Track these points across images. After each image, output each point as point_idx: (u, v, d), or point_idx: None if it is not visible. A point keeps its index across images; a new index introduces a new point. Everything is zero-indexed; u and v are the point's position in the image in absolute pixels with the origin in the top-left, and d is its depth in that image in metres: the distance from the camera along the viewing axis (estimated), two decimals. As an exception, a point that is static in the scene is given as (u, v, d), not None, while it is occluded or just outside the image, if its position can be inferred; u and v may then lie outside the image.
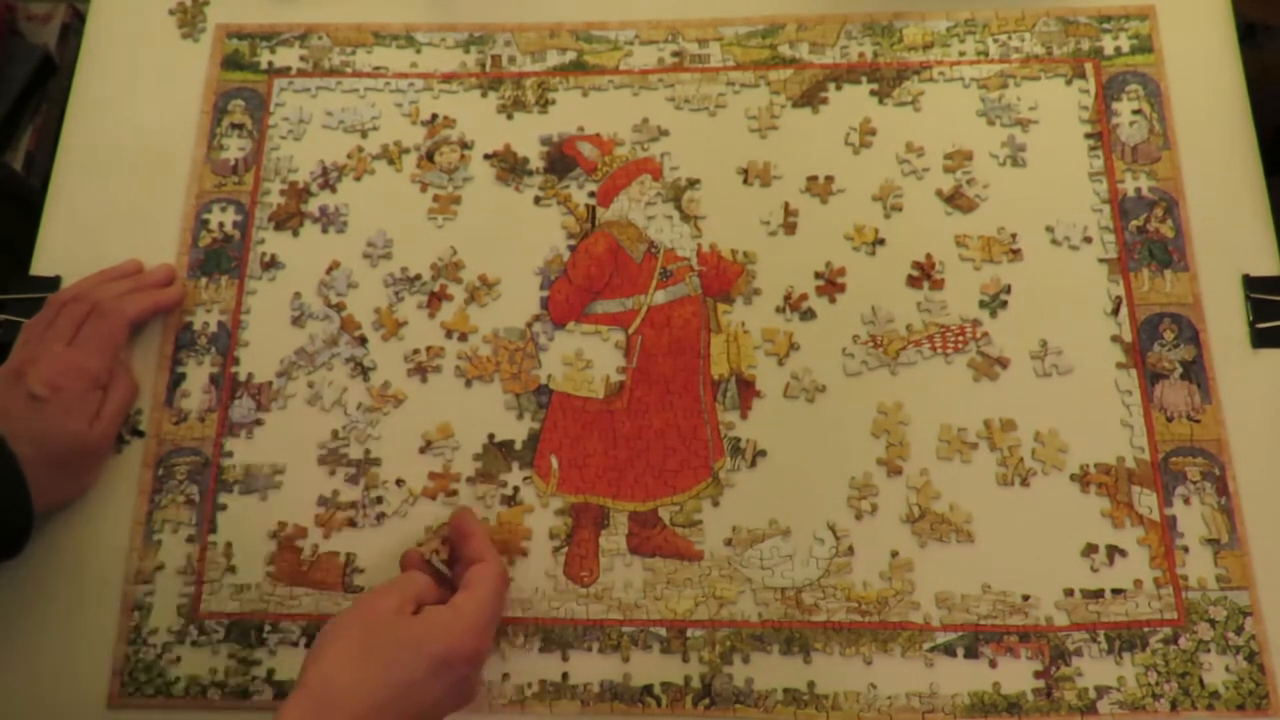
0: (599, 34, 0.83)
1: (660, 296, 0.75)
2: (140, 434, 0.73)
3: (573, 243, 0.77)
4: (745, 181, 0.78)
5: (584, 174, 0.79)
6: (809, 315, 0.74)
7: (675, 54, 0.81)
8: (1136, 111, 0.77)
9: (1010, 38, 0.80)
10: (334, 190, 0.80)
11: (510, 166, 0.79)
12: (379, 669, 0.57)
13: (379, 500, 0.71)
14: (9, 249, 0.83)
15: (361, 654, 0.57)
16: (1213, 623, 0.66)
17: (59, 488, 0.69)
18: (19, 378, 0.68)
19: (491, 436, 0.73)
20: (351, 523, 0.71)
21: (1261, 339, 0.72)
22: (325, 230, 0.78)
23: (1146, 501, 0.69)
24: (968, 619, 0.67)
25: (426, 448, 0.72)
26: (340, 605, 0.69)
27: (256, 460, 0.73)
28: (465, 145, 0.80)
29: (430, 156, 0.80)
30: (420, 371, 0.74)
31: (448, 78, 0.82)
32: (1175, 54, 0.79)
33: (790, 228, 0.77)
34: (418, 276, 0.77)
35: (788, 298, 0.75)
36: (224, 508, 0.72)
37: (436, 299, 0.76)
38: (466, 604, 0.61)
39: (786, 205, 0.77)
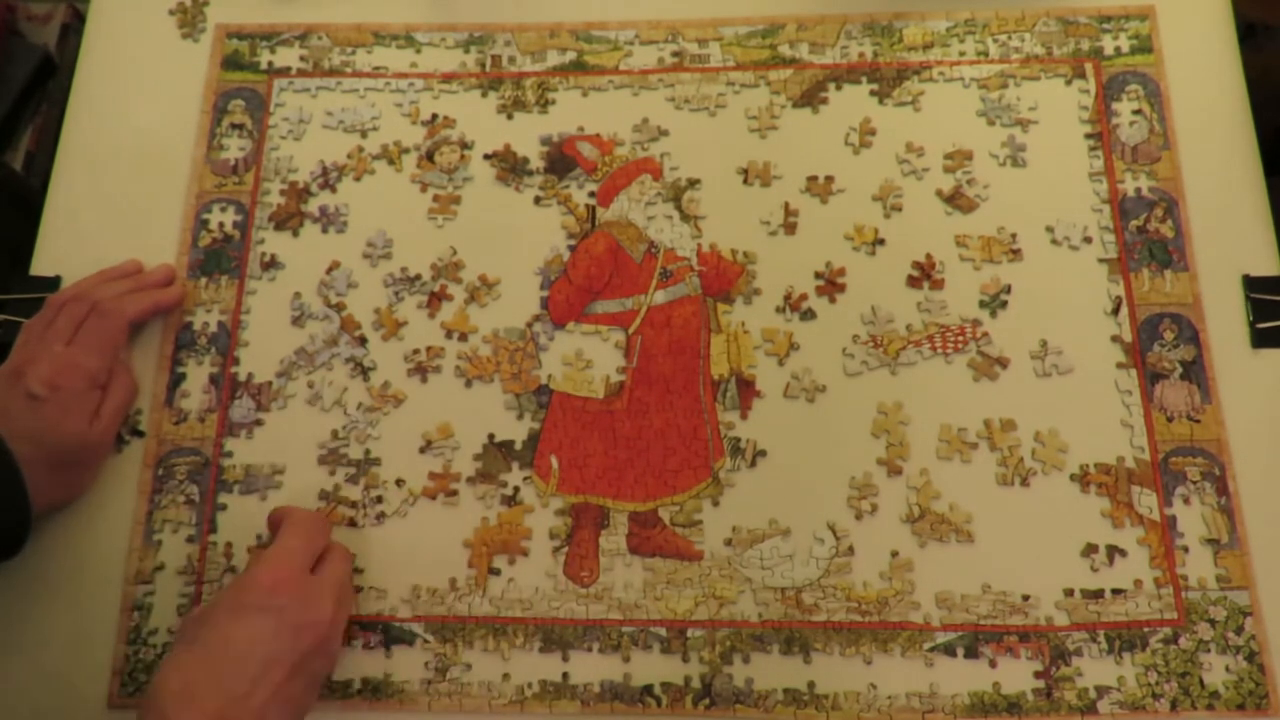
0: (599, 34, 0.83)
1: (660, 296, 0.75)
2: (140, 434, 0.73)
3: (573, 243, 0.77)
4: (745, 181, 0.78)
5: (584, 174, 0.79)
6: (809, 315, 0.74)
7: (675, 54, 0.81)
8: (1136, 111, 0.77)
9: (1010, 38, 0.80)
10: (334, 190, 0.80)
11: (510, 166, 0.79)
12: (206, 663, 0.58)
13: (379, 500, 0.71)
14: (9, 249, 0.83)
15: (187, 664, 0.58)
16: (1213, 623, 0.66)
17: (58, 487, 0.69)
18: (18, 377, 0.68)
19: (491, 436, 0.73)
20: (352, 522, 0.71)
21: (1261, 339, 0.72)
22: (325, 230, 0.78)
23: (1146, 501, 0.69)
24: (968, 619, 0.67)
25: (426, 448, 0.72)
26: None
27: (256, 460, 0.73)
28: (465, 145, 0.80)
29: (430, 156, 0.80)
30: (420, 371, 0.74)
31: (448, 78, 0.82)
32: (1175, 54, 0.79)
33: (790, 228, 0.77)
34: (418, 276, 0.77)
35: (788, 298, 0.75)
36: (224, 508, 0.72)
37: (436, 299, 0.76)
38: (256, 560, 0.63)
39: (786, 205, 0.77)
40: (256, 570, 0.61)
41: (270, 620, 0.59)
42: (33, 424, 0.66)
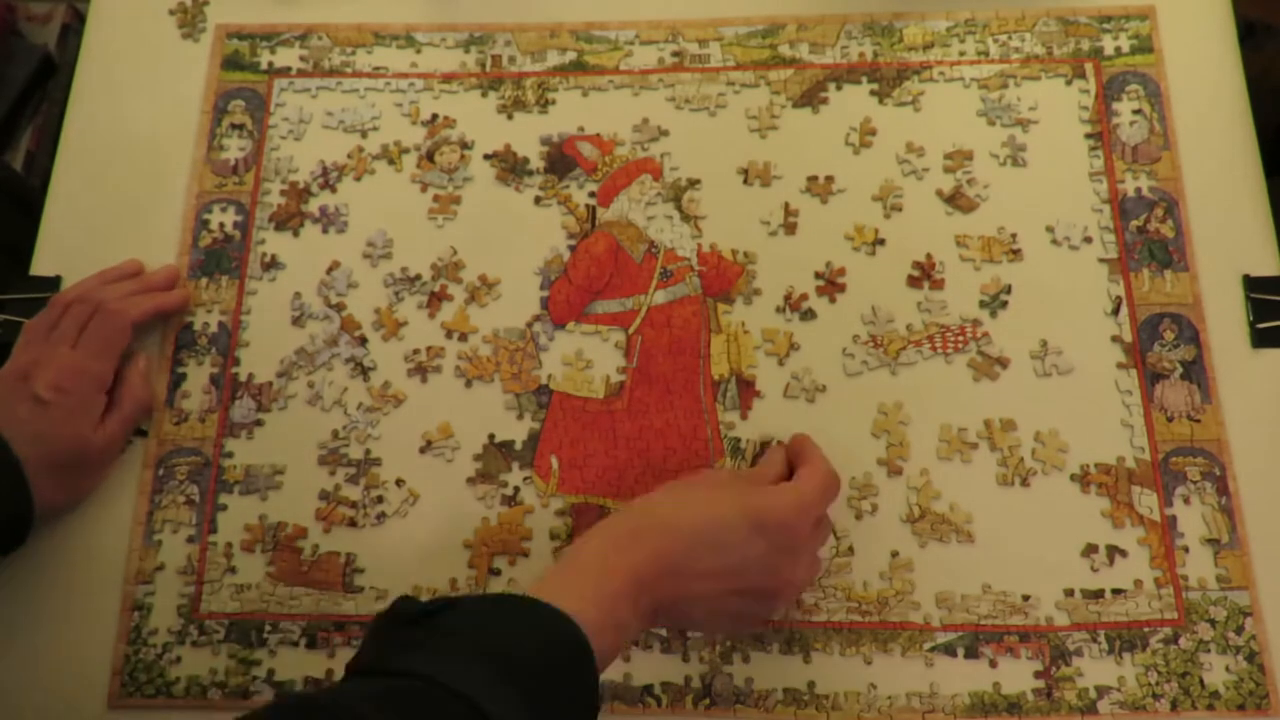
0: (599, 34, 0.82)
1: (660, 296, 0.75)
2: (143, 433, 0.73)
3: (573, 243, 0.77)
4: (745, 181, 0.78)
5: (584, 174, 0.79)
6: (809, 315, 0.74)
7: (675, 54, 0.81)
8: (1137, 111, 0.77)
9: (1010, 38, 0.80)
10: (334, 190, 0.80)
11: (510, 166, 0.79)
12: (701, 507, 0.59)
13: (379, 500, 0.71)
14: (9, 249, 0.83)
15: (684, 489, 0.62)
16: (1213, 623, 0.66)
17: (60, 491, 0.69)
18: (24, 380, 0.68)
19: (492, 436, 0.73)
20: (352, 523, 0.71)
21: (1261, 339, 0.72)
22: (325, 230, 0.78)
23: (1147, 501, 0.69)
24: (968, 619, 0.67)
25: (427, 448, 0.72)
26: (340, 605, 0.69)
27: (257, 460, 0.73)
28: (465, 145, 0.80)
29: (430, 156, 0.80)
30: (420, 371, 0.74)
31: (448, 78, 0.82)
32: (1175, 54, 0.79)
33: (790, 228, 0.77)
34: (418, 276, 0.77)
35: (788, 298, 0.75)
36: (224, 508, 0.72)
37: (436, 299, 0.76)
38: (794, 486, 0.62)
39: (787, 205, 0.77)
40: (780, 505, 0.60)
41: (763, 549, 0.59)
42: (38, 427, 0.66)
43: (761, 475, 0.65)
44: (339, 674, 0.67)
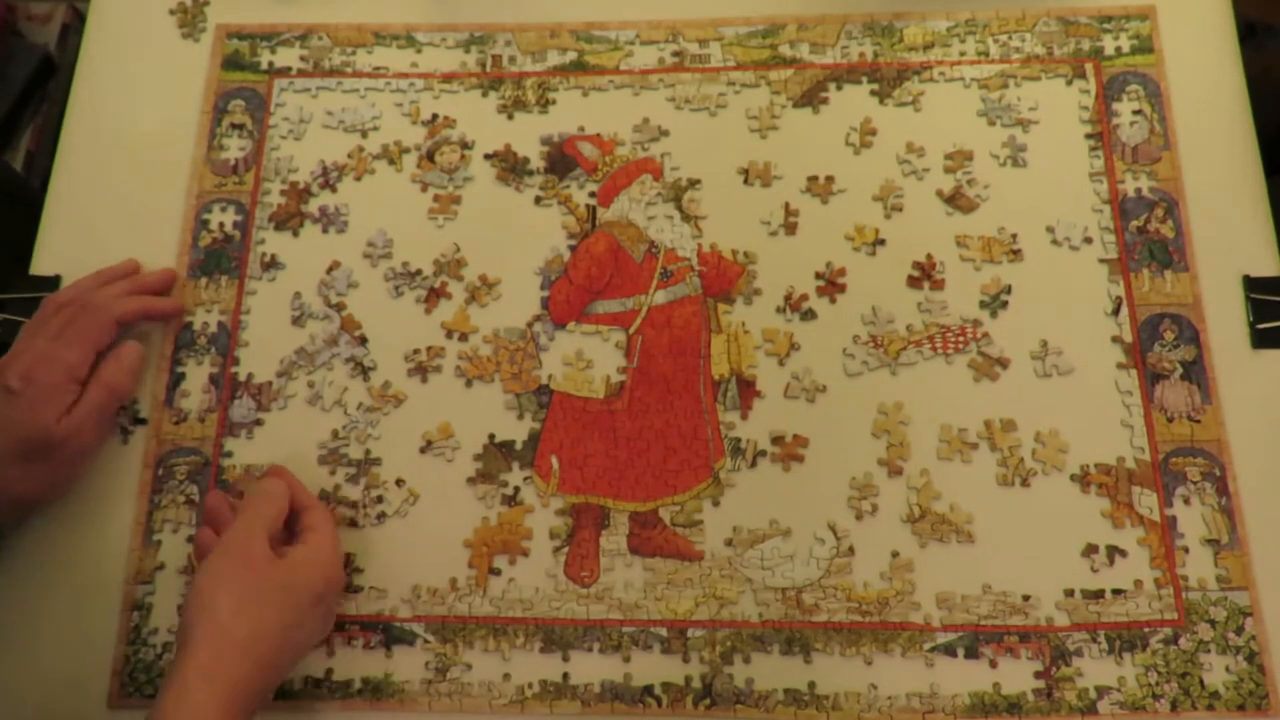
0: (599, 34, 0.82)
1: (661, 296, 0.75)
2: (143, 421, 0.73)
3: (573, 243, 0.77)
4: (746, 182, 0.78)
5: (584, 174, 0.79)
6: (809, 315, 0.74)
7: (675, 54, 0.81)
8: (1137, 112, 0.77)
9: (1011, 38, 0.80)
10: (334, 190, 0.79)
11: (511, 166, 0.79)
12: (271, 614, 0.60)
13: (379, 500, 0.71)
14: (9, 249, 0.83)
15: (254, 601, 0.60)
16: (1213, 623, 0.66)
17: (29, 481, 0.68)
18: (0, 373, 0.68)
19: (492, 437, 0.73)
20: (352, 523, 0.71)
21: (1261, 339, 0.72)
22: (325, 230, 0.78)
23: (1147, 502, 0.69)
24: (968, 619, 0.67)
25: (427, 448, 0.72)
26: (340, 605, 0.69)
27: (257, 460, 0.73)
28: (466, 145, 0.80)
29: (431, 156, 0.80)
30: (420, 371, 0.74)
31: (448, 78, 0.82)
32: (1175, 54, 0.79)
33: (791, 228, 0.77)
34: (418, 272, 0.77)
35: (788, 298, 0.75)
36: (224, 508, 0.72)
37: (435, 295, 0.76)
38: (323, 541, 0.65)
39: (787, 205, 0.77)
40: (331, 563, 0.64)
41: (326, 615, 0.65)
42: (4, 415, 0.66)
43: (273, 521, 0.65)
44: (338, 674, 0.67)
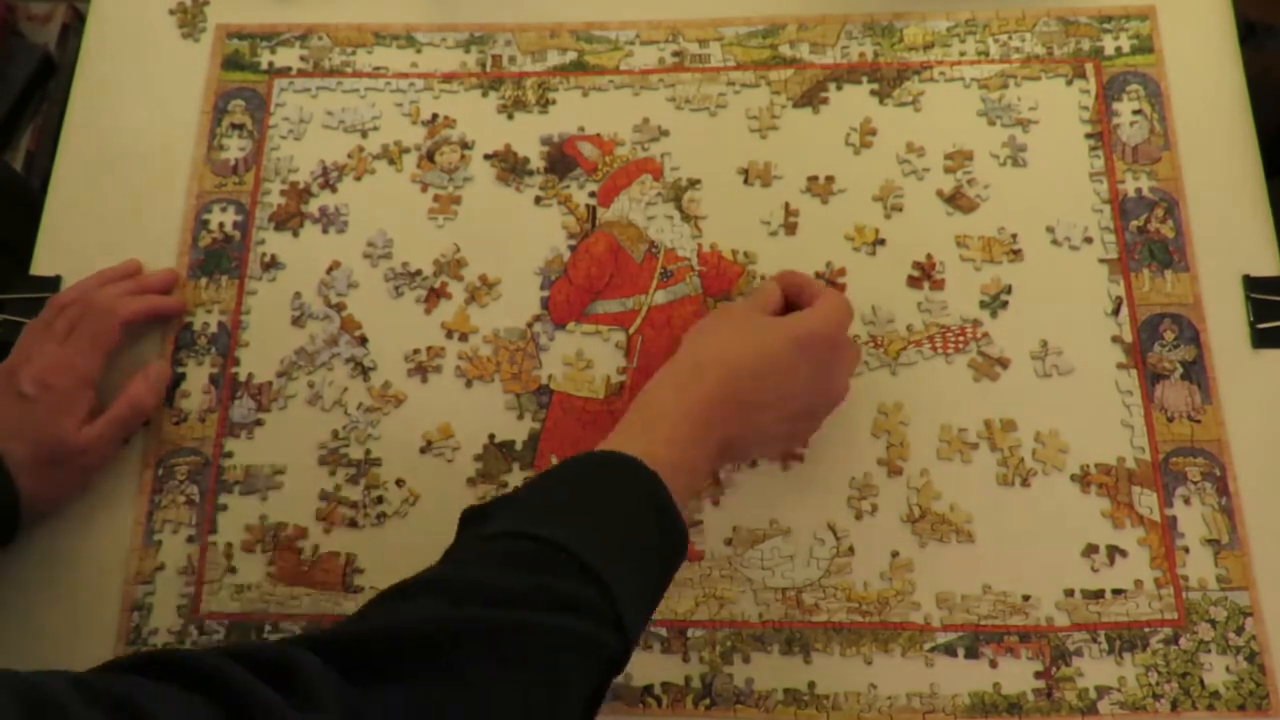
0: (599, 34, 0.82)
1: (661, 297, 0.75)
2: (144, 422, 0.73)
3: (573, 243, 0.77)
4: (746, 182, 0.78)
5: (584, 174, 0.79)
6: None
7: (676, 54, 0.81)
8: (1137, 112, 0.77)
9: (1011, 38, 0.80)
10: (334, 190, 0.79)
11: (510, 166, 0.79)
12: (749, 340, 0.62)
13: (380, 500, 0.71)
14: (9, 249, 0.83)
15: (730, 331, 0.64)
16: (1213, 623, 0.66)
17: (46, 487, 0.68)
18: (10, 376, 0.68)
19: (492, 437, 0.72)
20: (352, 523, 0.71)
21: (1262, 339, 0.72)
22: (325, 230, 0.78)
23: (1147, 502, 0.68)
24: (968, 619, 0.67)
25: (427, 448, 0.72)
26: (341, 605, 0.69)
27: (257, 460, 0.73)
28: (465, 145, 0.80)
29: (431, 156, 0.80)
30: (420, 371, 0.74)
31: (448, 78, 0.82)
32: (1176, 54, 0.79)
33: (791, 228, 0.77)
34: (418, 272, 0.77)
35: (788, 298, 0.75)
36: (224, 508, 0.72)
37: (435, 295, 0.76)
38: (819, 306, 0.65)
39: (787, 205, 0.77)
40: (815, 324, 0.64)
41: (810, 369, 0.63)
42: (21, 422, 0.66)
43: (767, 304, 0.67)
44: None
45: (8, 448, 0.65)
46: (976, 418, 0.71)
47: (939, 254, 0.75)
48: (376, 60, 0.83)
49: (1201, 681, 0.65)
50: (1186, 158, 0.76)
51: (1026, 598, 0.67)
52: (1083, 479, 0.69)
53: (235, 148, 0.81)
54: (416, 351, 0.75)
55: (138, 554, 0.70)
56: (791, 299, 0.68)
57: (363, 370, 0.75)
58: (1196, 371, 0.71)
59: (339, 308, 0.76)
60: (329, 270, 0.77)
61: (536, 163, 0.79)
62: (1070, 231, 0.75)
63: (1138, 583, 0.67)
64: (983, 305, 0.74)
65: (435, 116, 0.81)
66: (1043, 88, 0.79)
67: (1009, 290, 0.74)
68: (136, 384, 0.72)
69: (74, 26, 1.12)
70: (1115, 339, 0.72)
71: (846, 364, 0.66)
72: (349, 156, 0.80)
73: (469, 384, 0.74)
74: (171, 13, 0.86)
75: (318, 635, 0.47)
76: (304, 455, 0.72)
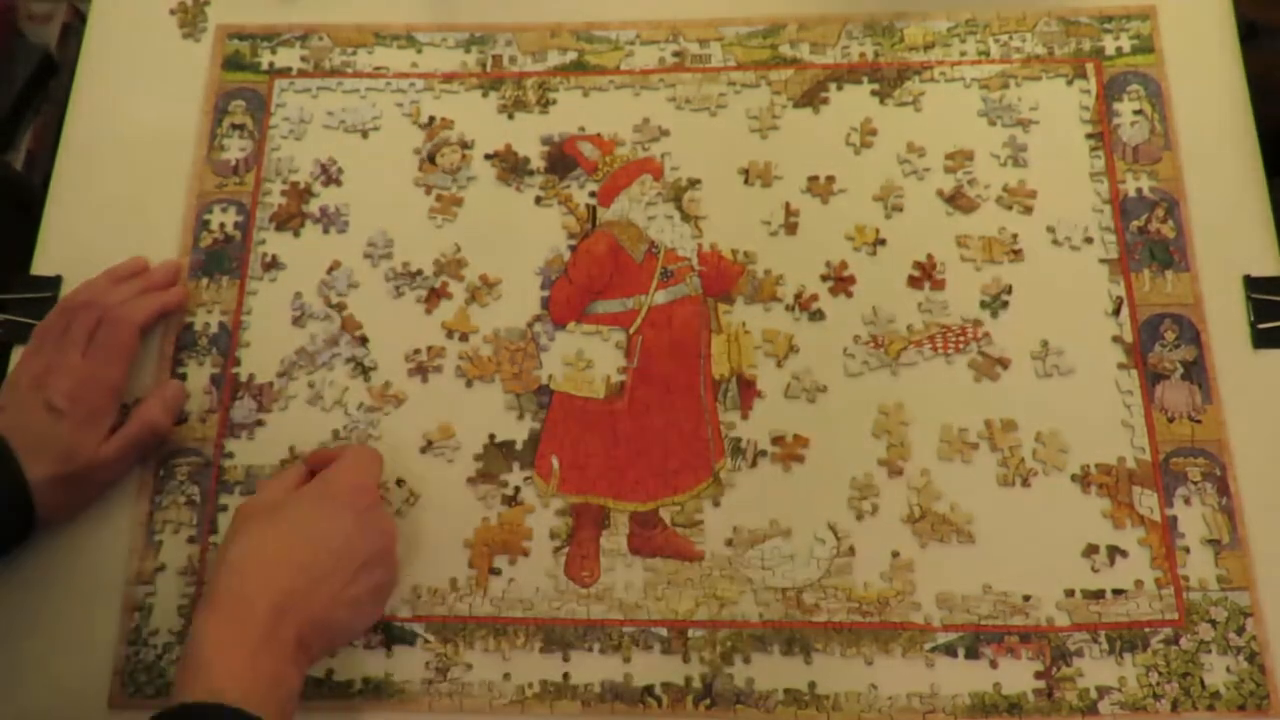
0: (600, 34, 0.82)
1: (661, 296, 0.75)
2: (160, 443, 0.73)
3: (573, 243, 0.77)
4: (746, 181, 0.78)
5: (585, 174, 0.79)
6: (818, 316, 0.74)
7: (676, 54, 0.81)
8: (1137, 112, 0.77)
9: (1011, 38, 0.80)
10: (339, 184, 0.79)
11: (511, 167, 0.79)
12: (281, 529, 0.61)
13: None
14: (9, 249, 0.83)
15: (261, 539, 0.61)
16: (1213, 623, 0.66)
17: (64, 500, 0.68)
18: (38, 387, 0.67)
19: (492, 437, 0.73)
20: (352, 523, 0.71)
21: (1262, 339, 0.72)
22: (326, 231, 0.78)
23: (1147, 502, 0.68)
24: (968, 619, 0.67)
25: (427, 448, 0.72)
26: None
27: (258, 461, 0.73)
28: (466, 145, 0.80)
29: (432, 159, 0.80)
30: (421, 371, 0.74)
31: (448, 78, 0.82)
32: (1176, 54, 0.79)
33: (791, 228, 0.77)
34: (419, 272, 0.77)
35: (798, 296, 0.74)
36: (225, 509, 0.71)
37: (436, 295, 0.76)
38: (342, 458, 0.66)
39: (787, 205, 0.77)
40: (336, 474, 0.64)
41: (350, 516, 0.62)
42: (48, 435, 0.66)
43: (290, 482, 0.65)
44: (339, 674, 0.67)
45: (31, 460, 0.65)
46: (977, 418, 0.71)
47: (939, 254, 0.75)
48: (377, 60, 0.83)
49: (1202, 682, 0.65)
50: (1187, 158, 0.76)
51: (1027, 598, 0.67)
52: (1083, 479, 0.69)
53: (236, 148, 0.81)
54: (417, 351, 0.75)
55: (138, 554, 0.70)
56: (315, 468, 0.67)
57: (363, 370, 0.75)
58: (1197, 371, 0.71)
59: (339, 308, 0.76)
60: (330, 270, 0.77)
61: (537, 163, 0.79)
62: (1071, 231, 0.75)
63: (1138, 583, 0.67)
64: (983, 305, 0.74)
65: (432, 119, 0.81)
66: (1043, 88, 0.79)
67: (1009, 290, 0.74)
68: (152, 405, 0.71)
69: (75, 26, 1.12)
70: (1116, 339, 0.72)
71: (382, 507, 0.66)
72: (349, 157, 0.80)
73: (469, 384, 0.74)
74: (172, 13, 0.86)
75: None
76: (305, 456, 0.72)
